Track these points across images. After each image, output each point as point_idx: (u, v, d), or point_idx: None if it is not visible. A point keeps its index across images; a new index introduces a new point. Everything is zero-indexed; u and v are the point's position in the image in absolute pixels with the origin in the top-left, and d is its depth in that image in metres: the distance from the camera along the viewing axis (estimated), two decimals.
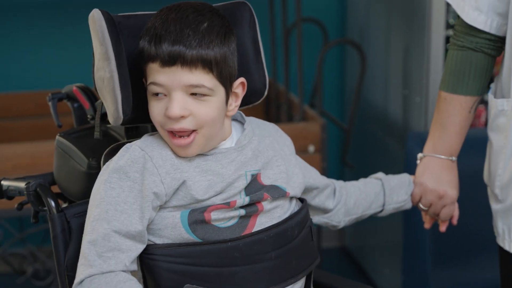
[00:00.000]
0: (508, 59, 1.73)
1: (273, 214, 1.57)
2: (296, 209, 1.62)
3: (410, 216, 2.70)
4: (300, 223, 1.61)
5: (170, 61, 1.45)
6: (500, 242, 1.82)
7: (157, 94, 1.49)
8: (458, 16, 1.81)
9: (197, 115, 1.48)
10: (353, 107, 3.18)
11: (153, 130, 1.67)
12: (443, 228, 1.95)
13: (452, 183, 1.89)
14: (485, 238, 2.77)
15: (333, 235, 3.81)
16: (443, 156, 1.87)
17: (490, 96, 1.81)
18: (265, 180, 1.57)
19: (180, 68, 1.46)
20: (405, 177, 1.91)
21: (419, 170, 1.90)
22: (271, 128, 1.69)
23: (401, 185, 1.88)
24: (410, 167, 2.47)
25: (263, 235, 1.54)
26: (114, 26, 1.53)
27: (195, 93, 1.47)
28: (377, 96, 3.31)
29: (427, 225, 1.96)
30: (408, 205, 1.91)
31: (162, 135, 1.53)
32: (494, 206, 1.82)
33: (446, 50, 1.88)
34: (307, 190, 1.71)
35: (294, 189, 1.61)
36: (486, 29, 1.77)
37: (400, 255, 2.96)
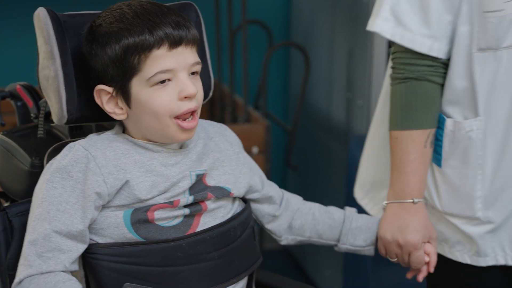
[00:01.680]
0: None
1: (216, 214, 1.58)
2: (239, 210, 1.64)
3: None
4: (243, 223, 1.63)
5: (177, 42, 1.49)
6: (490, 261, 1.78)
7: (163, 81, 1.50)
8: (393, 51, 1.75)
9: (199, 92, 1.54)
10: (297, 109, 3.21)
11: (97, 130, 1.67)
12: (419, 277, 1.76)
13: (413, 227, 1.71)
14: None
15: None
16: (403, 201, 1.73)
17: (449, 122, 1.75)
18: (210, 181, 1.59)
19: (185, 48, 1.50)
20: (372, 223, 1.77)
21: (382, 219, 1.76)
22: (219, 128, 1.71)
23: (364, 230, 1.76)
24: (352, 170, 2.50)
25: (206, 235, 1.55)
26: (59, 24, 1.53)
27: (192, 72, 1.52)
28: (320, 99, 3.34)
29: (408, 275, 1.79)
30: (369, 252, 1.77)
31: (164, 127, 1.52)
32: (473, 229, 1.76)
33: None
34: (251, 190, 1.72)
35: (239, 190, 1.63)
36: (440, 56, 1.70)
37: (341, 256, 2.99)
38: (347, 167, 2.76)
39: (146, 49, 1.47)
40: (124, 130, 1.58)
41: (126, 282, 1.49)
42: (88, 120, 1.59)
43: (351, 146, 2.72)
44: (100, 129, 1.67)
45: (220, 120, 3.39)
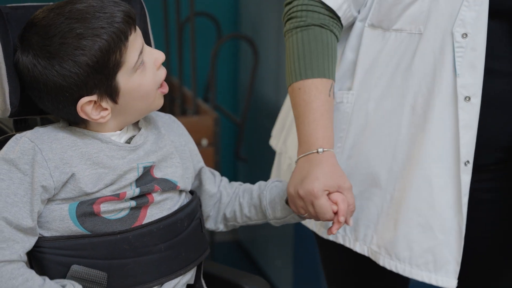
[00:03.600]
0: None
1: (163, 206, 1.58)
2: (186, 201, 1.64)
3: None
4: (190, 215, 1.63)
5: (135, 18, 1.52)
6: (331, 237, 1.76)
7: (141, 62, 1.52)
8: (291, 1, 1.69)
9: None
10: (246, 101, 3.22)
11: (42, 123, 1.65)
12: (333, 230, 1.63)
13: (314, 177, 1.60)
14: None
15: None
16: (309, 152, 1.63)
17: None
18: (157, 173, 1.59)
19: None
20: (284, 189, 1.70)
21: (289, 179, 1.67)
22: (167, 120, 1.71)
23: (278, 201, 1.71)
24: None
25: (153, 227, 1.55)
26: (1, 17, 1.51)
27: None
28: (269, 91, 3.35)
29: (328, 232, 1.66)
30: (294, 220, 1.72)
31: (151, 102, 1.56)
32: None
33: None
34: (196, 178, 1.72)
35: (185, 183, 1.63)
36: (341, 15, 1.68)
37: (291, 247, 3.01)
38: None
39: (124, 39, 1.48)
40: (77, 123, 1.56)
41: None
42: (33, 113, 1.58)
43: None
44: (45, 122, 1.66)
45: (170, 112, 3.37)
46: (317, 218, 1.63)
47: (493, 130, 1.67)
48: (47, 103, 1.52)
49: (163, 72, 1.57)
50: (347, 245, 1.76)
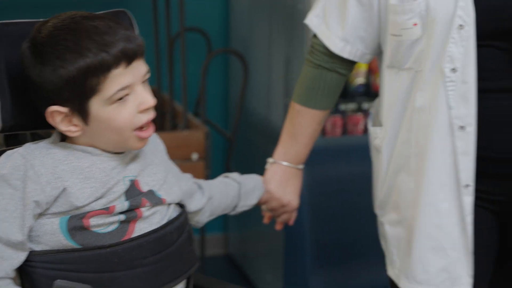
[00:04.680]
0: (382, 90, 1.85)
1: (151, 220, 1.59)
2: (174, 215, 1.65)
3: (291, 226, 2.76)
4: (179, 228, 1.64)
5: (132, 57, 1.50)
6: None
7: (121, 98, 1.50)
8: (315, 35, 1.89)
9: (154, 101, 1.56)
10: (237, 116, 3.23)
11: (32, 138, 1.66)
12: (279, 226, 2.07)
13: (295, 193, 2.00)
14: (361, 244, 2.86)
15: (217, 242, 3.84)
16: (292, 165, 1.97)
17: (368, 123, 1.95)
18: (143, 186, 1.60)
19: (138, 60, 1.52)
20: (258, 180, 1.96)
21: (267, 175, 1.99)
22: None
23: (255, 190, 1.94)
24: None
25: (142, 241, 1.56)
26: None
27: (144, 81, 1.54)
28: (259, 105, 3.37)
29: (266, 220, 2.06)
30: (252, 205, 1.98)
31: (124, 140, 1.54)
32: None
33: None
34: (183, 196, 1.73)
35: (171, 196, 1.64)
36: (351, 58, 1.86)
37: (282, 261, 3.02)
38: None
39: (105, 70, 1.47)
40: (64, 139, 1.58)
41: None
42: (24, 128, 1.59)
43: None
44: (36, 137, 1.67)
45: (160, 127, 3.39)
46: (276, 218, 2.03)
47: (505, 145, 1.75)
48: (33, 94, 1.53)
49: (145, 117, 1.53)
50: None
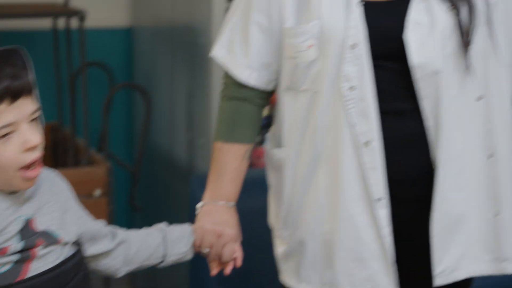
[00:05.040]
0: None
1: (46, 259, 1.56)
2: (70, 253, 1.62)
3: (196, 260, 2.76)
4: (74, 267, 1.61)
5: (17, 95, 1.47)
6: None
7: (4, 135, 1.47)
8: (225, 71, 1.89)
9: (42, 140, 1.52)
10: (139, 150, 3.23)
11: None
12: (227, 270, 1.90)
13: (230, 223, 1.90)
14: (268, 279, 2.88)
15: (123, 278, 3.80)
16: (221, 203, 1.91)
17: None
18: (39, 226, 1.57)
19: (25, 98, 1.48)
20: (187, 228, 1.86)
21: (198, 217, 1.92)
22: (48, 174, 1.69)
23: (182, 237, 1.84)
24: (194, 209, 2.53)
25: (36, 281, 1.53)
26: None
27: (32, 119, 1.50)
28: (163, 139, 3.37)
29: (214, 271, 1.91)
30: (188, 256, 1.87)
31: (9, 179, 1.50)
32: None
33: None
34: (83, 236, 1.69)
35: (69, 235, 1.62)
36: (257, 85, 1.86)
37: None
38: (190, 206, 2.78)
39: None
40: None
41: None
42: None
43: (192, 185, 2.75)
44: None
45: (63, 163, 3.35)
46: (218, 257, 1.88)
47: (404, 167, 1.79)
48: None
49: (30, 157, 1.50)
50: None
